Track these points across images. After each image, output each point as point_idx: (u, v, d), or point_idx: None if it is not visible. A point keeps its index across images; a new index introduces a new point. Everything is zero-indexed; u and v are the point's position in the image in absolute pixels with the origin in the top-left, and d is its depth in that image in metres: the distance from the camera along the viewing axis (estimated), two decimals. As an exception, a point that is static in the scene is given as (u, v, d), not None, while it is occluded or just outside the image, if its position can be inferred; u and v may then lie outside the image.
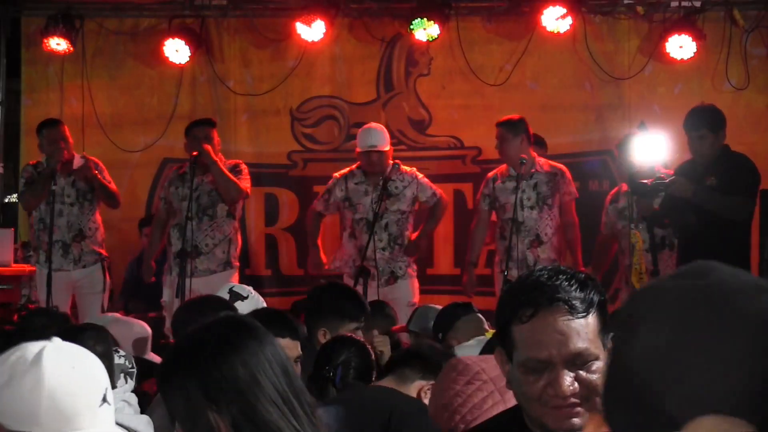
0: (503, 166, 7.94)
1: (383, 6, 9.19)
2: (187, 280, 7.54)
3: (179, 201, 7.93)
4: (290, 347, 3.56)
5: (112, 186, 8.14)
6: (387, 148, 8.00)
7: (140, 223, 9.18)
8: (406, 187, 8.02)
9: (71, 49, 9.05)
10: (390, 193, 7.95)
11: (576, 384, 2.18)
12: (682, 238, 7.21)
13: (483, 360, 2.82)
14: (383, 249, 7.92)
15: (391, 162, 8.03)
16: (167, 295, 7.85)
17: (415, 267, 8.12)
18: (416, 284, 8.08)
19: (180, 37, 8.97)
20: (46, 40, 8.98)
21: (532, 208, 7.75)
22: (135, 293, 8.92)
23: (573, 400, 2.18)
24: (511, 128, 7.73)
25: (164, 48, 8.99)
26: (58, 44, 9.00)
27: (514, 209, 7.62)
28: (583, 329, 2.19)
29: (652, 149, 7.09)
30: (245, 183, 7.96)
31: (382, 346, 5.10)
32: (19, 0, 9.43)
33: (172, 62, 9.04)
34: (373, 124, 8.25)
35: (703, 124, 6.98)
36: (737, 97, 8.87)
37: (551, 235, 7.78)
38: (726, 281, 1.31)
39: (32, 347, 2.07)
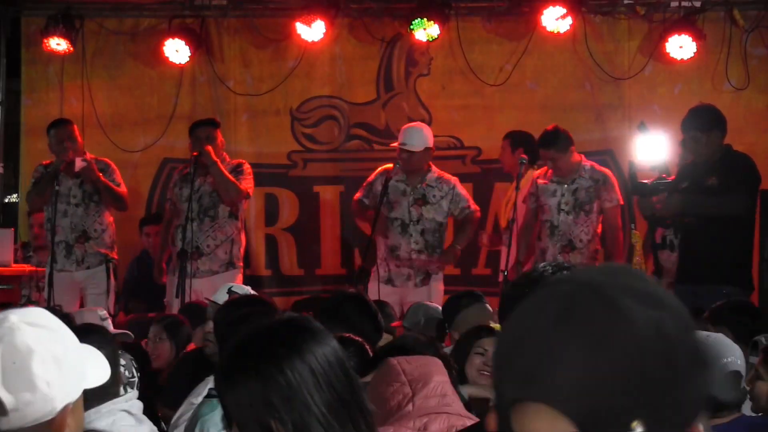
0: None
1: (383, 6, 9.18)
2: (189, 281, 7.54)
3: (182, 201, 7.94)
4: None
5: (120, 189, 8.13)
6: (418, 149, 7.85)
7: (141, 222, 9.18)
8: (443, 197, 7.92)
9: (71, 49, 9.05)
10: (427, 200, 7.89)
11: None
12: (683, 237, 7.21)
13: (408, 360, 2.79)
14: (419, 252, 7.84)
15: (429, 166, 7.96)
16: (170, 294, 7.85)
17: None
18: (441, 287, 7.95)
19: (180, 37, 8.97)
20: (46, 40, 8.98)
21: (568, 213, 7.64)
22: (136, 293, 8.92)
23: None
24: (558, 146, 7.60)
25: (164, 48, 8.99)
26: (58, 44, 8.99)
27: (551, 212, 7.58)
28: None
29: (653, 149, 7.09)
30: (247, 183, 7.96)
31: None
32: (19, 0, 9.43)
33: (172, 62, 9.04)
34: (413, 123, 8.19)
35: (694, 125, 6.99)
36: (737, 97, 8.87)
37: (587, 242, 7.62)
38: (589, 276, 1.30)
39: None
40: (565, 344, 1.25)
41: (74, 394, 2.10)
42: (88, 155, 8.12)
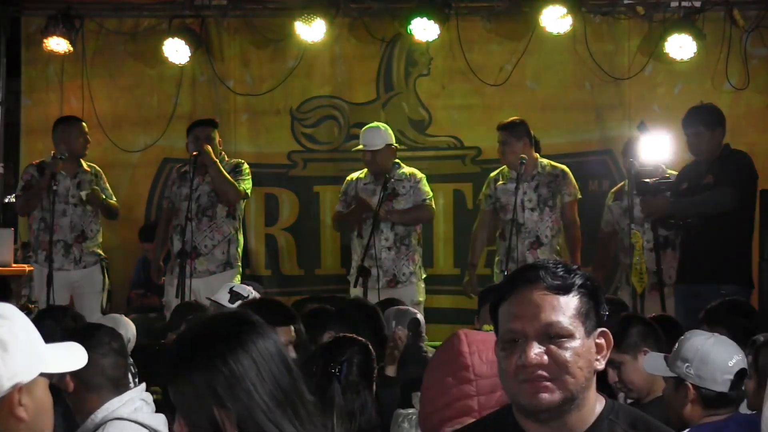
0: (505, 167, 7.93)
1: (383, 6, 9.18)
2: (187, 281, 7.54)
3: (180, 201, 7.95)
4: (284, 332, 3.76)
5: (113, 202, 8.29)
6: (379, 147, 7.95)
7: (140, 235, 9.16)
8: (411, 188, 8.00)
9: (71, 49, 9.05)
10: (397, 192, 7.94)
11: (545, 357, 2.22)
12: (684, 238, 7.22)
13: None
14: (388, 249, 7.90)
15: (395, 161, 8.05)
16: (168, 294, 7.86)
17: (420, 269, 8.03)
18: (422, 285, 8.03)
19: (180, 37, 8.96)
20: (46, 40, 8.98)
21: (533, 209, 7.73)
22: (143, 292, 8.97)
23: (541, 372, 2.22)
24: (513, 131, 7.73)
25: (164, 48, 8.98)
26: (58, 44, 8.99)
27: (514, 210, 7.62)
28: (560, 305, 2.25)
29: (655, 149, 7.10)
30: (245, 184, 7.96)
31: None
32: (19, 0, 9.43)
33: (172, 62, 9.04)
34: (372, 124, 8.26)
35: (698, 121, 7.01)
36: (737, 97, 8.87)
37: (551, 237, 7.76)
38: None
39: None
40: None
41: (25, 375, 2.24)
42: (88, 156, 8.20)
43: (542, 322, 2.23)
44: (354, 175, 8.20)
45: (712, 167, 6.93)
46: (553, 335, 2.23)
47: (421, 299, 7.89)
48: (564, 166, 7.94)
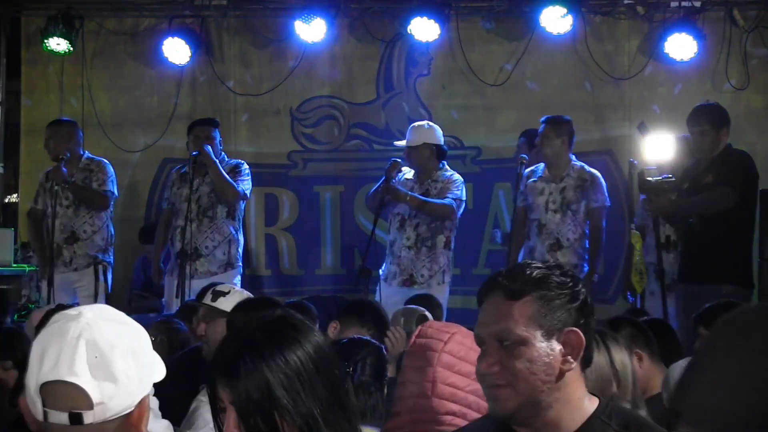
0: (540, 166, 7.80)
1: (383, 6, 9.19)
2: (189, 281, 7.54)
3: (181, 202, 7.93)
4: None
5: (88, 192, 8.03)
6: (415, 144, 7.84)
7: (140, 237, 9.15)
8: (442, 188, 7.85)
9: (71, 49, 9.05)
10: (429, 193, 7.83)
11: (495, 367, 2.26)
12: (685, 238, 7.22)
13: None
14: (408, 248, 7.81)
15: (440, 161, 7.92)
16: (169, 295, 7.85)
17: (445, 274, 7.83)
18: (443, 288, 7.80)
19: (180, 37, 8.97)
20: (46, 40, 8.98)
21: (555, 211, 7.63)
22: (143, 293, 8.97)
23: (495, 380, 2.26)
24: (555, 127, 7.62)
25: (164, 48, 8.99)
26: (58, 44, 8.99)
27: (539, 210, 7.59)
28: (512, 311, 2.27)
29: (658, 149, 7.11)
30: (244, 185, 7.94)
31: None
32: (19, 0, 9.43)
33: (172, 62, 9.04)
34: (417, 122, 8.14)
35: (705, 119, 6.99)
36: (737, 97, 8.87)
37: (573, 241, 7.61)
38: None
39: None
40: None
41: (148, 387, 2.16)
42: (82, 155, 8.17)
43: (493, 329, 2.28)
44: (406, 171, 7.99)
45: (713, 167, 6.93)
46: (505, 342, 2.26)
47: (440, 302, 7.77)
48: (595, 171, 7.79)
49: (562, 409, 2.27)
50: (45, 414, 2.04)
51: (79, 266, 8.05)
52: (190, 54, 8.98)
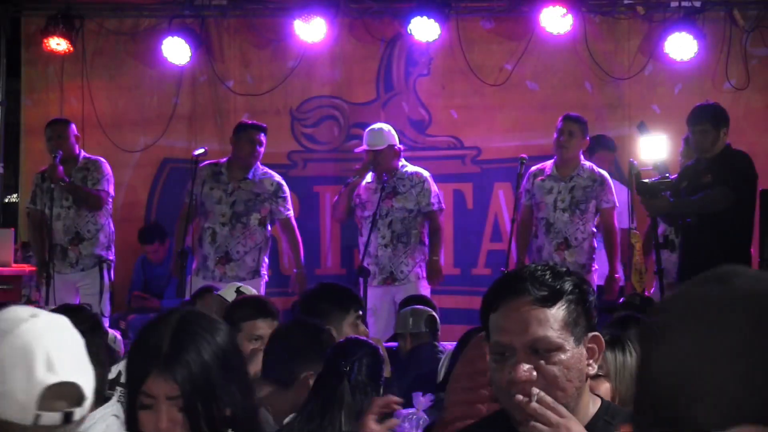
0: (547, 164, 7.87)
1: (383, 6, 9.19)
2: (190, 279, 7.56)
3: (213, 203, 7.91)
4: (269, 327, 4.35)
5: (83, 192, 8.03)
6: (381, 147, 7.95)
7: (140, 238, 9.13)
8: (413, 187, 7.97)
9: (71, 49, 9.06)
10: (397, 190, 7.92)
11: (534, 373, 2.20)
12: (684, 237, 7.22)
13: None
14: (385, 246, 7.88)
15: (401, 161, 8.03)
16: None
17: (422, 269, 7.97)
18: (425, 284, 7.96)
19: (180, 37, 8.97)
20: (46, 40, 8.99)
21: (564, 210, 7.66)
22: (143, 293, 8.98)
23: (531, 388, 2.20)
24: (581, 126, 7.69)
25: (164, 48, 8.99)
26: (58, 44, 9.00)
27: (547, 209, 7.61)
28: (547, 318, 2.22)
29: (655, 149, 7.10)
30: (287, 210, 8.06)
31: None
32: (19, 0, 9.43)
33: (172, 62, 9.04)
34: (375, 125, 8.25)
35: (706, 118, 7.00)
36: (737, 97, 8.87)
37: (582, 240, 7.64)
38: (753, 286, 1.28)
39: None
40: (757, 358, 1.22)
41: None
42: (84, 153, 8.17)
43: (529, 337, 2.21)
44: (363, 181, 8.13)
45: (712, 166, 6.93)
46: (541, 350, 2.21)
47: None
48: (604, 172, 7.83)
49: (577, 413, 2.26)
50: (36, 417, 2.05)
51: (85, 266, 8.07)
52: (190, 54, 8.98)
